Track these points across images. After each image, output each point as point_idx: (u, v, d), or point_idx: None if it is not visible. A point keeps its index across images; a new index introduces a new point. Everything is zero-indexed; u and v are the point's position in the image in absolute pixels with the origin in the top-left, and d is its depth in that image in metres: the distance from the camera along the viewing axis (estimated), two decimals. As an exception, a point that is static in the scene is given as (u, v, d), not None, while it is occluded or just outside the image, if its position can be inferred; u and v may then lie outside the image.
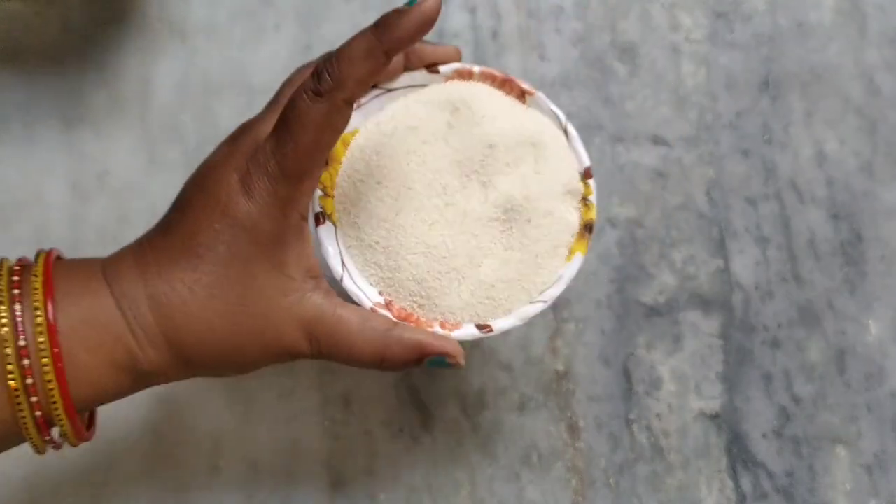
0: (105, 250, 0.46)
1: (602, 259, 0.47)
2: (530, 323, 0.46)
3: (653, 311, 0.47)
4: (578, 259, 0.37)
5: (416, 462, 0.45)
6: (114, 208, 0.46)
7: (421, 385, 0.46)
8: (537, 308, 0.36)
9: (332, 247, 0.36)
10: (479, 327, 0.36)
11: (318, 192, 0.35)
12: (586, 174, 0.38)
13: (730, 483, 0.46)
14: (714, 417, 0.46)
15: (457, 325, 0.36)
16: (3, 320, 0.27)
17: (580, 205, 0.38)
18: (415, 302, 0.36)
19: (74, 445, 0.31)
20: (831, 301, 0.47)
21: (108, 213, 0.46)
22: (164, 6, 0.48)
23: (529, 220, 0.36)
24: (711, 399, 0.46)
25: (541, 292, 0.37)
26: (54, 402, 0.28)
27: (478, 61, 0.49)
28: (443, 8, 0.50)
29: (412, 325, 0.36)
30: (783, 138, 0.49)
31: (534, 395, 0.46)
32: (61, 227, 0.46)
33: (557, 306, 0.46)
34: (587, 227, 0.37)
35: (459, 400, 0.46)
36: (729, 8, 0.50)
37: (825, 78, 0.50)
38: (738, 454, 0.46)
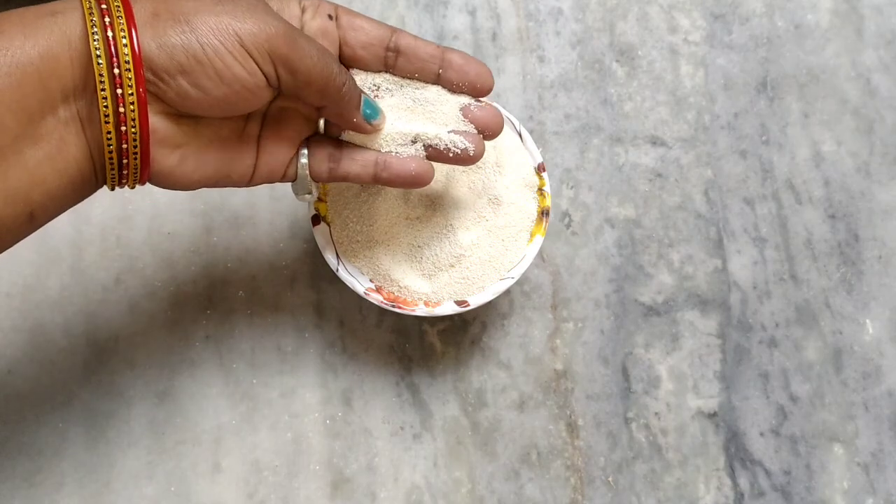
0: (107, 250, 0.47)
1: (601, 259, 0.48)
2: (529, 322, 0.46)
3: (651, 311, 0.47)
4: (539, 240, 0.42)
5: (417, 460, 0.45)
6: (116, 207, 0.47)
7: (421, 384, 0.46)
8: (506, 284, 0.42)
9: (328, 243, 0.42)
10: (458, 303, 0.42)
11: (314, 198, 0.39)
12: (540, 168, 0.43)
13: (727, 481, 0.46)
14: (712, 416, 0.46)
15: (438, 303, 0.42)
16: (99, 52, 0.29)
17: (537, 195, 0.43)
18: (400, 285, 0.42)
19: (134, 185, 0.32)
20: (828, 301, 0.48)
21: (110, 213, 0.47)
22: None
23: (495, 210, 0.42)
24: (709, 398, 0.46)
25: (509, 270, 0.42)
26: (134, 130, 0.30)
27: (477, 62, 0.49)
28: (443, 10, 0.50)
29: (400, 305, 0.42)
30: (780, 139, 0.49)
31: (533, 393, 0.46)
32: (63, 226, 0.46)
33: (557, 306, 0.47)
34: (544, 213, 0.43)
35: (459, 398, 0.46)
36: (727, 10, 0.51)
37: (822, 79, 0.50)
38: (736, 453, 0.46)
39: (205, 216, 0.46)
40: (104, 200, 0.47)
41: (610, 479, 0.45)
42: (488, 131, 0.37)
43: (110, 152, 0.30)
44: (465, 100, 0.37)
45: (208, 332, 0.46)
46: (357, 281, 0.42)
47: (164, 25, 0.30)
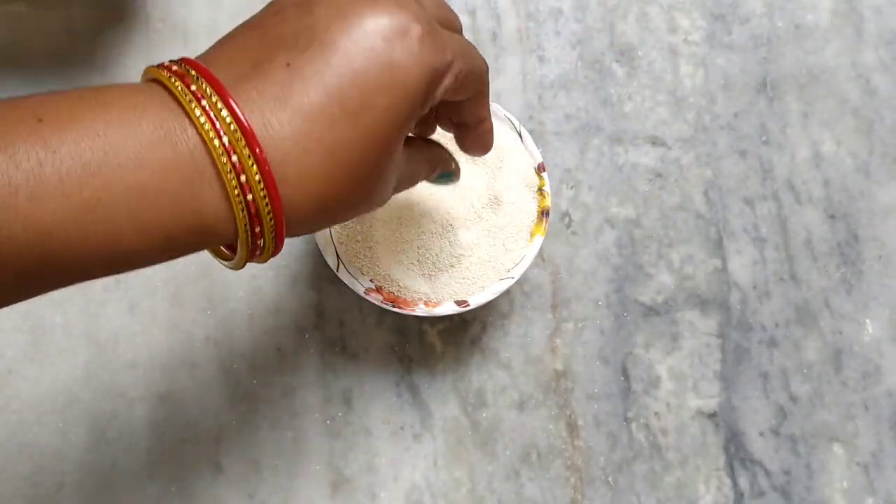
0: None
1: (601, 259, 0.48)
2: (529, 322, 0.46)
3: (651, 311, 0.47)
4: (539, 240, 0.42)
5: (417, 460, 0.45)
6: (116, 208, 0.47)
7: (421, 384, 0.46)
8: (506, 284, 0.42)
9: (328, 244, 0.42)
10: (458, 303, 0.42)
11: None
12: (540, 168, 0.43)
13: (727, 481, 0.46)
14: (712, 416, 0.46)
15: (438, 303, 0.41)
16: (206, 124, 0.24)
17: (537, 195, 0.43)
18: (400, 285, 0.42)
19: (268, 257, 0.27)
20: (828, 300, 0.48)
21: (110, 214, 0.47)
22: (166, 8, 0.49)
23: (495, 210, 0.42)
24: (709, 398, 0.47)
25: (509, 270, 0.42)
26: (269, 216, 0.25)
27: (477, 63, 0.49)
28: (443, 10, 0.50)
29: (400, 305, 0.41)
30: (780, 139, 0.49)
31: (533, 393, 0.46)
32: (64, 227, 0.46)
33: (557, 306, 0.47)
34: (544, 213, 0.43)
35: (459, 398, 0.46)
36: (727, 10, 0.51)
37: (822, 79, 0.50)
38: (736, 452, 0.46)
39: (205, 216, 0.46)
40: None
41: (610, 478, 0.46)
42: None
43: (246, 230, 0.25)
44: None
45: (208, 333, 0.46)
46: (357, 281, 0.42)
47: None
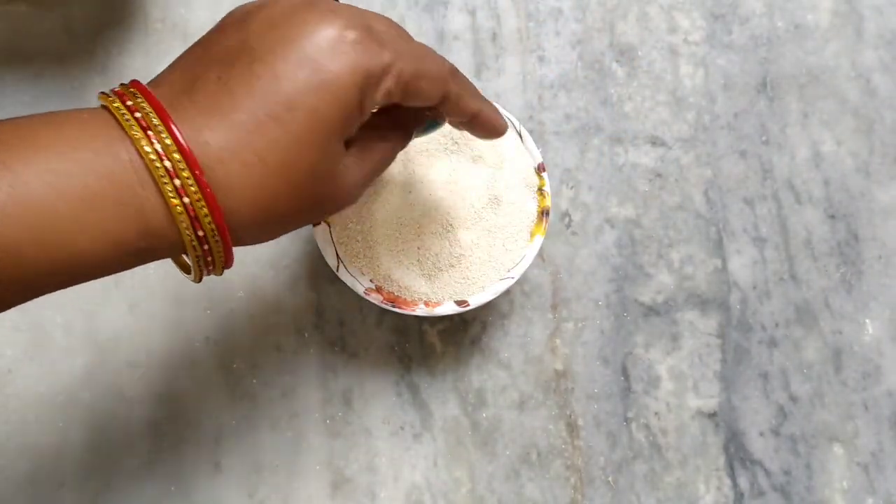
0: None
1: (600, 259, 0.48)
2: (529, 321, 0.47)
3: (651, 311, 0.47)
4: (539, 240, 0.42)
5: (417, 460, 0.45)
6: (116, 208, 0.47)
7: (421, 383, 0.46)
8: (506, 284, 0.42)
9: (328, 244, 0.42)
10: (458, 303, 0.42)
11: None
12: (540, 168, 0.43)
13: (727, 481, 0.46)
14: (712, 416, 0.46)
15: (438, 303, 0.41)
16: (148, 149, 0.26)
17: (537, 195, 0.43)
18: (400, 285, 0.42)
19: (221, 268, 0.29)
20: (828, 300, 0.48)
21: (110, 213, 0.47)
22: (165, 8, 0.49)
23: (495, 210, 0.42)
24: (709, 398, 0.47)
25: (509, 270, 0.42)
26: (208, 219, 0.26)
27: (477, 63, 0.49)
28: (443, 10, 0.50)
29: (400, 305, 0.41)
30: (780, 139, 0.49)
31: (533, 393, 0.46)
32: (64, 227, 0.46)
33: (557, 306, 0.47)
34: (544, 213, 0.43)
35: (459, 398, 0.46)
36: (727, 10, 0.51)
37: (822, 79, 0.50)
38: (736, 452, 0.46)
39: (205, 216, 0.46)
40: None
41: (610, 478, 0.46)
42: None
43: (192, 243, 0.27)
44: None
45: (208, 333, 0.46)
46: (357, 281, 0.42)
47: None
